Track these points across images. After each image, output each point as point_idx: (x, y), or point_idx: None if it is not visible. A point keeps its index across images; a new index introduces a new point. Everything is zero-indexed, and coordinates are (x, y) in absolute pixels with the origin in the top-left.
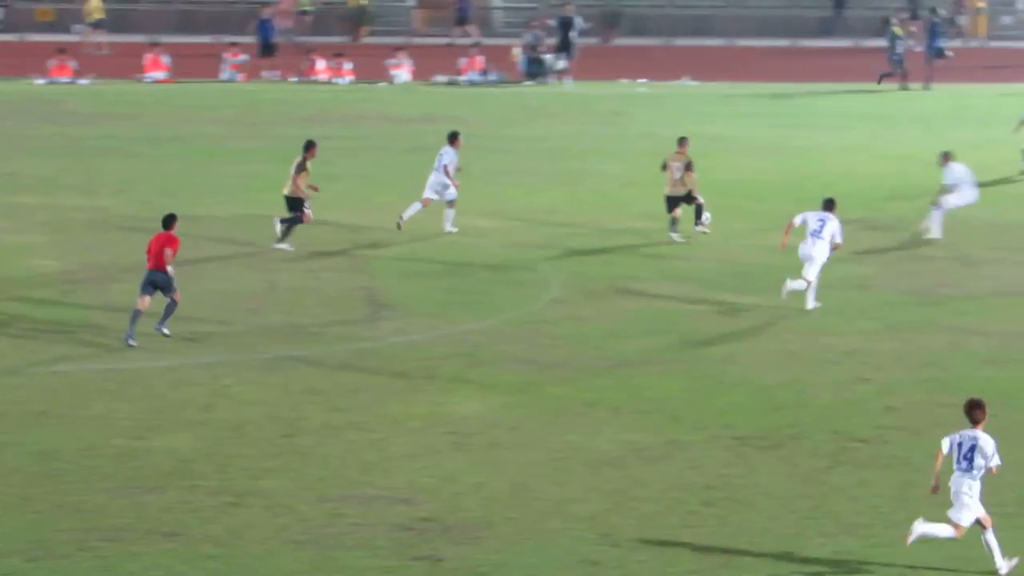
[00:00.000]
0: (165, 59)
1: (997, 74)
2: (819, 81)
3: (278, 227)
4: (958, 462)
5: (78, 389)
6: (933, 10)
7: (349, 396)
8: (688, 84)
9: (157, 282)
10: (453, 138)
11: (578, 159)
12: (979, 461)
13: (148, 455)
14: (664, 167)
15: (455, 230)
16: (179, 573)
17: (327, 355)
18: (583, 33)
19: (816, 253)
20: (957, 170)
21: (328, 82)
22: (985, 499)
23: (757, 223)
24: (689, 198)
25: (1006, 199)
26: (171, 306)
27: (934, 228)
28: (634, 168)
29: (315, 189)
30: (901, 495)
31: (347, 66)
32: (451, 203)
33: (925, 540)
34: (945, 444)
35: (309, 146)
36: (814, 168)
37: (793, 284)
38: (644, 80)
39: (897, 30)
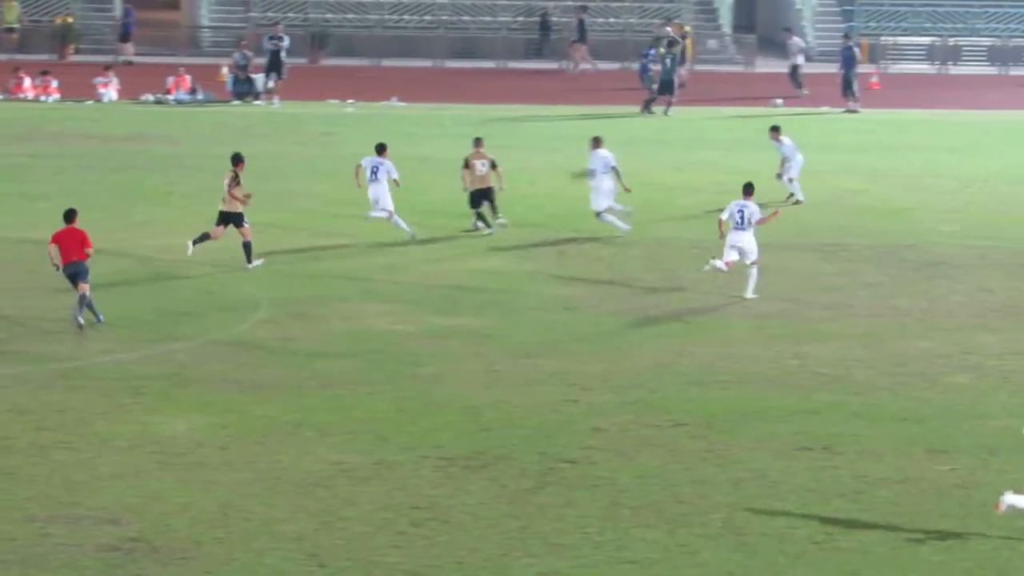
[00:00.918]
0: None
1: (705, 98)
2: (527, 103)
3: (191, 248)
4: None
5: None
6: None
7: (56, 415)
8: (396, 105)
9: (77, 272)
10: (382, 149)
11: (287, 179)
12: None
13: None
14: (466, 165)
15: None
16: None
17: (33, 374)
18: (289, 53)
19: (746, 243)
20: (787, 143)
21: (35, 100)
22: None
23: (464, 245)
24: (491, 194)
25: (707, 220)
26: (84, 296)
27: (798, 194)
28: (343, 188)
29: (247, 198)
30: (608, 515)
31: (54, 84)
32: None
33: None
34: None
35: (238, 160)
36: (524, 189)
37: (715, 263)
38: (352, 100)
39: (662, 51)
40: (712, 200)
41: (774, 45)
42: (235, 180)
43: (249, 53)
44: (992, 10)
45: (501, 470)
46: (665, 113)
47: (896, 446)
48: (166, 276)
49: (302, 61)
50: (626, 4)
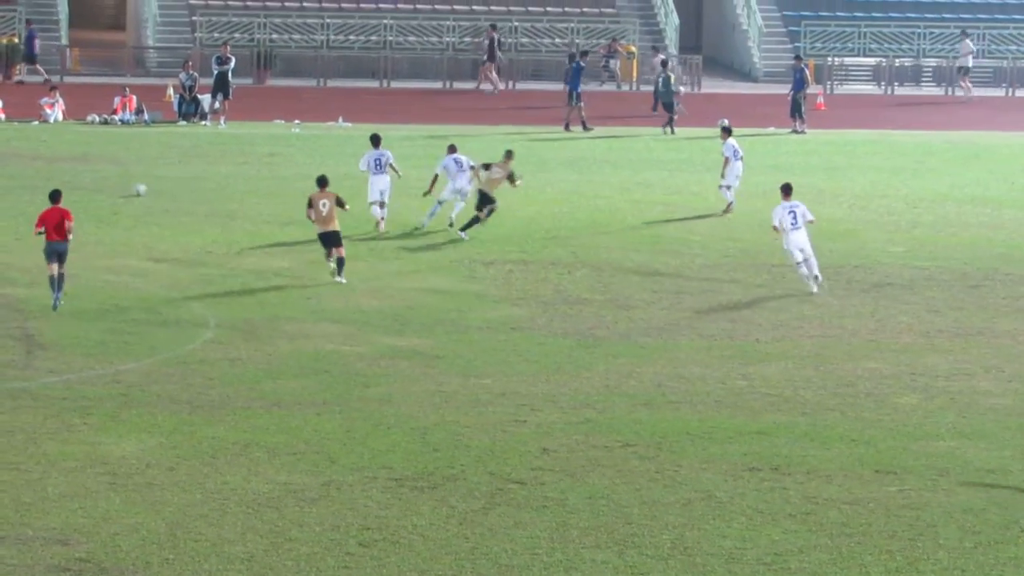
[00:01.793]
0: None
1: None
2: (472, 123)
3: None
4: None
5: None
6: (578, 55)
7: (3, 436)
8: (343, 125)
9: (60, 252)
10: (377, 140)
11: (233, 200)
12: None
13: None
14: (487, 167)
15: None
16: None
17: None
18: (236, 73)
19: (804, 240)
20: (730, 144)
21: None
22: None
23: (412, 263)
24: (492, 199)
25: (654, 241)
26: (62, 278)
27: (728, 196)
28: (290, 208)
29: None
30: (557, 536)
31: None
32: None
33: None
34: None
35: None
36: (469, 210)
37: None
38: (298, 121)
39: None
40: (657, 218)
41: (719, 66)
42: (337, 202)
43: (195, 74)
44: (937, 31)
45: (450, 491)
46: (667, 132)
47: (845, 467)
48: (114, 296)
49: (248, 82)
50: (572, 25)
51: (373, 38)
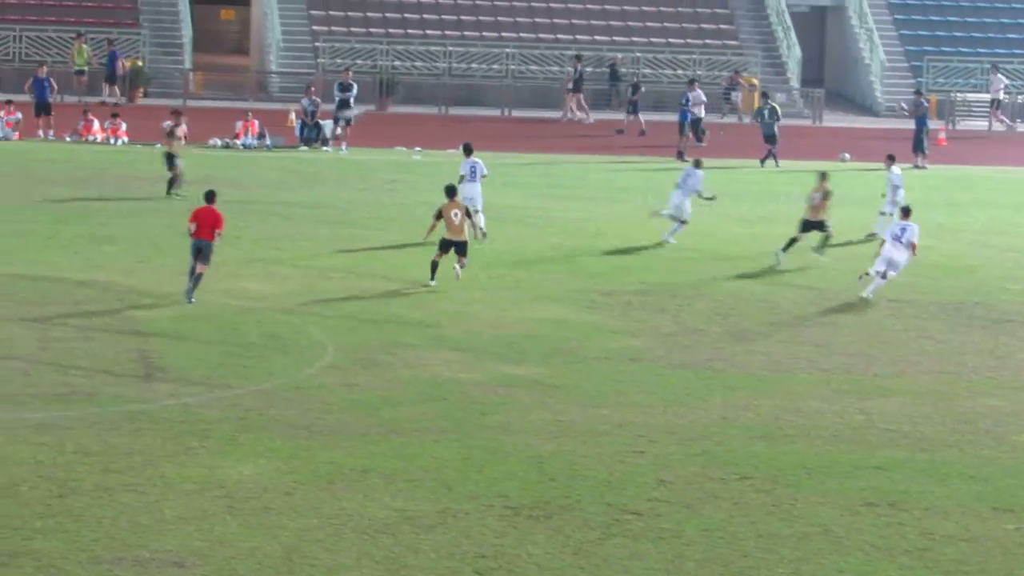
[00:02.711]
0: None
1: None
2: (590, 153)
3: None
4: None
5: None
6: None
7: (123, 458)
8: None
9: (203, 248)
10: (469, 150)
11: (355, 225)
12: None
13: None
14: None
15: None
16: None
17: (100, 416)
18: (358, 100)
19: (898, 256)
20: (895, 173)
21: (104, 142)
22: None
23: (529, 292)
24: (823, 225)
25: (774, 274)
26: (200, 277)
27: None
28: (410, 233)
29: None
30: (673, 568)
31: (123, 127)
32: (478, 211)
33: None
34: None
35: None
36: (590, 241)
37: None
38: (419, 148)
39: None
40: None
41: (843, 99)
42: (466, 213)
43: (317, 99)
44: None
45: (566, 520)
46: (765, 164)
47: (962, 503)
48: (233, 320)
49: (370, 108)
50: (695, 56)
51: (495, 66)
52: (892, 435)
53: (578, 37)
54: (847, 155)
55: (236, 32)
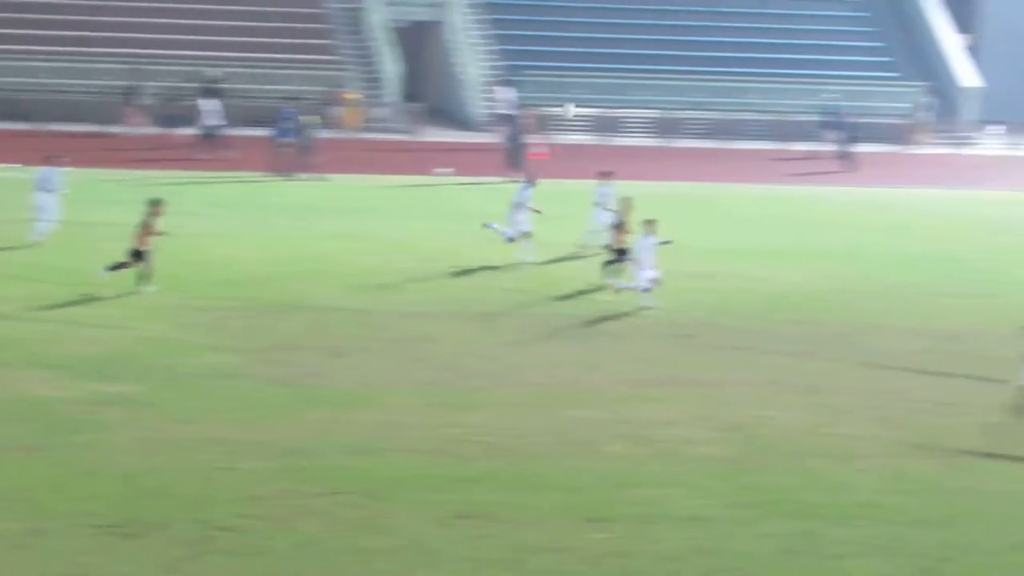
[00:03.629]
0: None
1: (373, 165)
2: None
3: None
4: None
5: None
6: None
7: None
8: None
9: None
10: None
11: None
12: None
13: None
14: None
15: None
16: None
17: None
18: None
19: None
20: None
21: None
22: None
23: (124, 311)
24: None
25: (371, 289)
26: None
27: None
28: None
29: None
30: None
31: None
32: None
33: None
34: None
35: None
36: (187, 255)
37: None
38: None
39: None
40: (379, 268)
41: (443, 114)
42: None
43: None
44: (654, 83)
45: (157, 538)
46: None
47: (555, 514)
48: None
49: None
50: (293, 72)
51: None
52: (486, 447)
53: (182, 52)
54: (446, 169)
55: None
